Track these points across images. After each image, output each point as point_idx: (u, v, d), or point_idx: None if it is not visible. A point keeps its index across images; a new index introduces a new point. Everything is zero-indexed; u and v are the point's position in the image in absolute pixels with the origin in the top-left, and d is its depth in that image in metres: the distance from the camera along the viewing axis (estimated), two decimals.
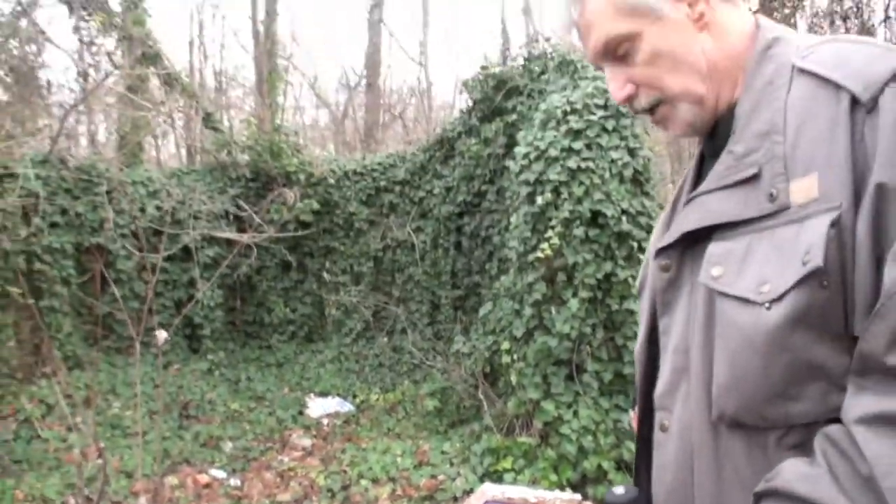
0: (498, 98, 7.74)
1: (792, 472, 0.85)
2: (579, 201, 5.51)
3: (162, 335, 5.09)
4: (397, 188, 9.22)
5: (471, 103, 8.29)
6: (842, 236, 0.84)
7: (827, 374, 0.87)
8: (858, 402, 0.81)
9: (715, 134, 1.11)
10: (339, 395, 8.43)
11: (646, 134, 6.28)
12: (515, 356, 5.71)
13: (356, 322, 9.29)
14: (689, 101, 1.07)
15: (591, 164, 5.59)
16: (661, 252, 1.10)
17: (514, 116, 7.60)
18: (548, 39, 7.97)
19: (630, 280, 5.46)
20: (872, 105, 0.85)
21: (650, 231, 5.61)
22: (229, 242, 8.77)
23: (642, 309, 1.25)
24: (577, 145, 5.63)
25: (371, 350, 9.04)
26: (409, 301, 8.94)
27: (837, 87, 0.89)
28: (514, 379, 5.61)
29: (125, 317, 6.39)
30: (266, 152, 9.22)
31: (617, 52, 1.08)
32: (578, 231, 5.44)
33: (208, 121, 9.85)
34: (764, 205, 0.93)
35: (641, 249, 5.58)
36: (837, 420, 0.85)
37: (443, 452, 6.10)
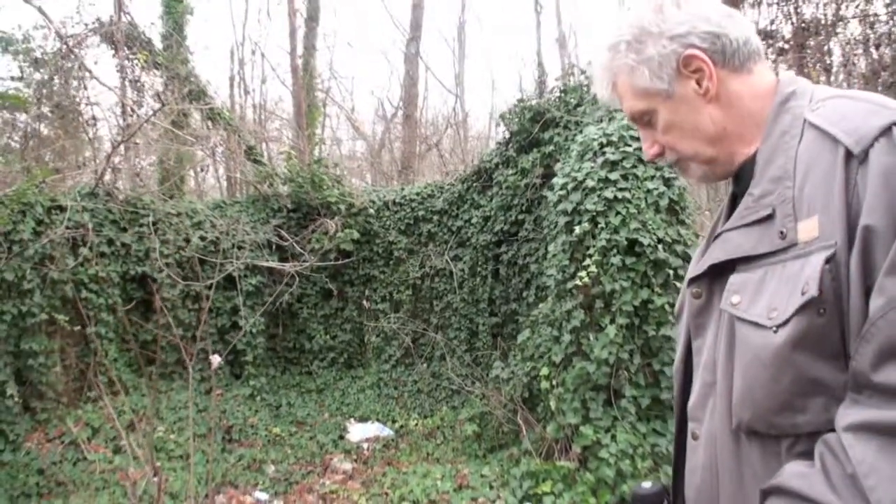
0: (535, 130, 7.93)
1: (790, 472, 1.02)
2: (616, 230, 5.64)
3: (216, 360, 5.30)
4: (435, 217, 9.45)
5: (507, 135, 8.49)
6: (837, 270, 0.99)
7: (828, 389, 1.02)
8: (848, 413, 0.96)
9: (741, 177, 1.28)
10: (378, 420, 8.58)
11: None
12: (554, 381, 5.82)
13: (395, 349, 9.47)
14: (699, 162, 1.29)
15: (627, 195, 5.72)
16: (692, 281, 1.29)
17: (551, 147, 7.77)
18: (583, 72, 8.16)
19: (667, 307, 5.55)
20: (864, 157, 0.99)
21: (686, 259, 5.74)
22: (271, 271, 9.03)
23: (679, 332, 1.43)
24: (614, 176, 5.77)
25: (410, 376, 9.20)
26: (447, 328, 9.11)
27: (835, 140, 1.04)
28: (553, 404, 5.72)
29: (175, 342, 6.62)
30: (307, 183, 9.49)
31: (643, 120, 1.31)
32: (615, 259, 5.56)
33: (250, 153, 10.18)
34: (776, 241, 1.10)
35: (678, 277, 5.68)
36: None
37: (482, 476, 6.21)
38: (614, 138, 5.94)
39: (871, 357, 0.93)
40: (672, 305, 5.62)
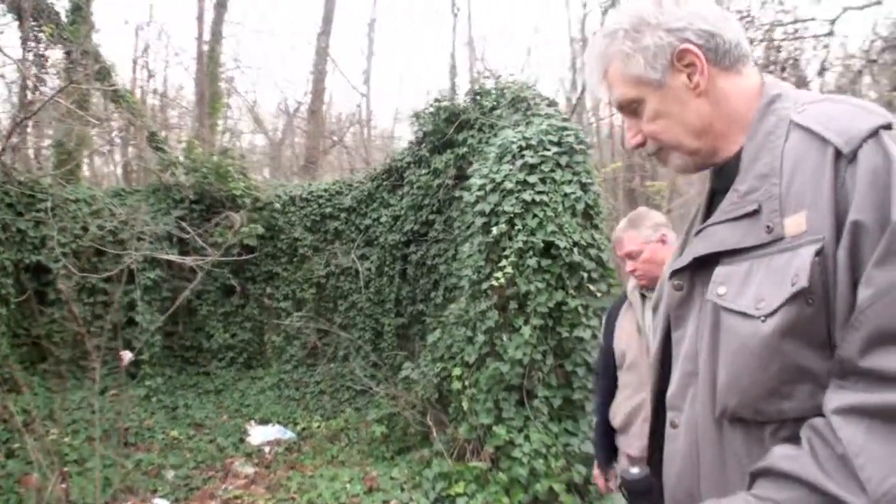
0: (449, 131, 7.92)
1: (779, 454, 1.04)
2: (533, 232, 5.69)
3: (127, 356, 4.99)
4: (343, 215, 9.27)
5: (421, 134, 8.43)
6: (825, 263, 1.03)
7: (814, 376, 1.06)
8: (836, 397, 1.00)
9: (723, 174, 1.31)
10: (279, 422, 8.33)
11: (595, 171, 6.52)
12: (467, 382, 5.81)
13: (297, 349, 9.24)
14: (682, 153, 1.31)
15: (544, 198, 5.78)
16: (674, 274, 1.31)
17: (465, 149, 7.78)
18: (499, 77, 8.22)
19: (580, 309, 5.64)
20: (853, 157, 1.03)
21: (599, 262, 5.86)
22: (171, 265, 8.64)
23: (656, 324, 1.47)
24: (532, 179, 5.82)
25: (312, 377, 8.99)
26: (351, 328, 8.95)
27: (824, 140, 1.08)
28: (465, 404, 5.70)
29: (81, 335, 6.18)
30: (211, 174, 9.14)
31: (630, 108, 1.34)
32: (531, 261, 5.61)
33: (152, 140, 9.71)
34: (762, 235, 1.12)
35: (591, 280, 5.79)
36: (822, 415, 1.03)
37: (391, 478, 6.11)
38: (533, 142, 6.00)
39: (858, 344, 0.97)
40: (585, 308, 5.72)
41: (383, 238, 8.69)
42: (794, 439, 1.05)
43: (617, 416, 3.01)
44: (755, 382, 1.09)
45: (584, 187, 6.06)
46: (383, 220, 8.77)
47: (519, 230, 5.71)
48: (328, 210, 9.36)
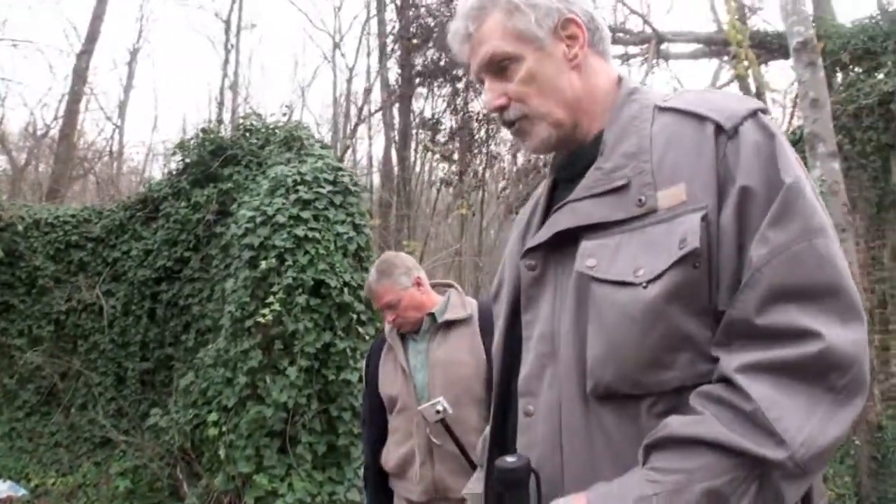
0: (214, 164, 7.50)
1: (679, 422, 0.98)
2: (303, 269, 5.49)
3: None
4: (90, 245, 8.27)
5: (182, 165, 7.91)
6: (709, 229, 1.03)
7: (694, 344, 1.03)
8: (735, 357, 0.98)
9: (570, 162, 1.30)
10: (10, 478, 7.13)
11: (368, 214, 6.51)
12: (224, 428, 5.37)
13: (31, 393, 7.98)
14: (548, 122, 1.25)
15: (317, 235, 5.64)
16: (528, 252, 1.24)
17: (230, 184, 7.39)
18: (272, 115, 8.01)
19: (348, 351, 5.50)
20: (734, 132, 1.07)
21: (369, 304, 5.78)
22: None
23: (499, 311, 1.40)
24: (306, 214, 5.66)
25: (47, 427, 7.80)
26: (92, 372, 7.96)
27: (702, 118, 1.11)
28: (222, 452, 5.25)
29: None
30: None
31: (499, 66, 1.25)
32: (301, 299, 5.40)
33: None
34: (632, 209, 1.10)
35: (360, 322, 5.69)
36: (702, 384, 1.01)
37: None
38: (308, 178, 5.87)
39: (755, 302, 0.97)
40: (353, 350, 5.59)
41: (132, 273, 7.88)
42: (670, 413, 1.01)
43: (390, 460, 2.87)
44: (635, 352, 1.03)
45: (356, 228, 6.01)
46: (134, 253, 7.97)
47: (289, 266, 5.48)
48: (74, 238, 8.28)
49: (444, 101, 15.33)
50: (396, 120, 15.48)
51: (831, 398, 0.94)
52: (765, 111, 1.11)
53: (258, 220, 5.67)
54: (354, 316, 5.65)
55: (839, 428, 0.93)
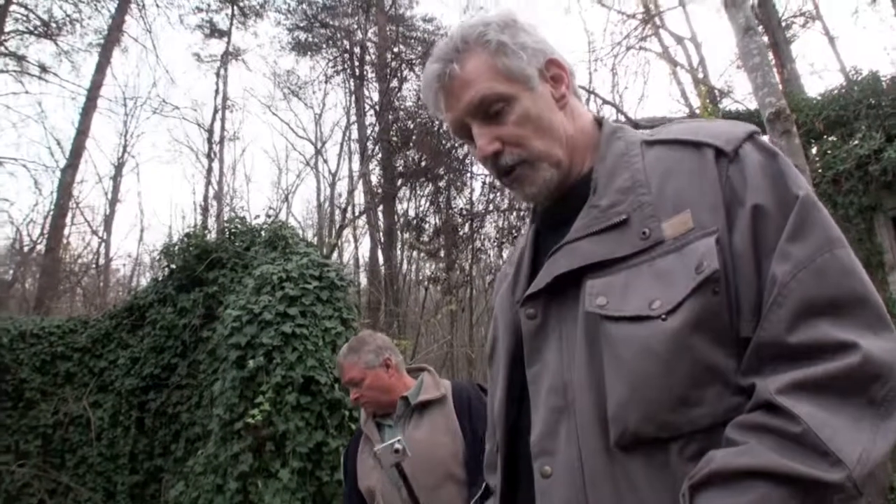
0: (200, 268, 7.49)
1: (723, 455, 0.89)
2: (292, 367, 5.39)
3: None
4: (76, 356, 8.10)
5: (167, 271, 7.88)
6: (722, 253, 0.98)
7: (721, 376, 0.96)
8: (773, 379, 0.91)
9: (557, 207, 1.24)
10: None
11: (356, 309, 6.46)
12: None
13: None
14: (549, 163, 1.19)
15: (305, 331, 5.57)
16: (528, 300, 1.16)
17: (216, 288, 7.37)
18: (256, 217, 8.07)
19: (342, 449, 5.33)
20: (734, 156, 1.05)
21: None
22: None
23: (496, 370, 1.30)
24: (293, 311, 5.61)
25: None
26: (81, 486, 7.63)
27: (699, 144, 1.09)
28: None
29: None
30: None
31: (490, 109, 1.18)
32: (290, 397, 5.28)
33: None
34: (637, 243, 1.05)
35: (353, 419, 5.54)
36: (730, 420, 0.94)
37: None
38: (294, 274, 5.84)
39: (785, 320, 0.92)
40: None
41: (119, 383, 7.70)
42: (703, 456, 0.93)
43: None
44: (661, 390, 0.96)
45: (344, 323, 5.95)
46: (121, 362, 7.81)
47: (277, 364, 5.38)
48: (60, 349, 8.12)
49: (426, 200, 15.58)
50: (381, 221, 15.64)
51: (873, 411, 0.88)
52: (759, 133, 1.10)
53: (245, 318, 5.60)
54: (346, 413, 5.50)
55: (888, 441, 0.87)
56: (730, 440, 0.91)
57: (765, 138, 1.11)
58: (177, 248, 7.83)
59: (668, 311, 0.97)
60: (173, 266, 7.79)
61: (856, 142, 7.80)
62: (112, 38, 14.05)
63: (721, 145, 1.06)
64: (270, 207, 9.90)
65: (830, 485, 0.83)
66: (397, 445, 2.38)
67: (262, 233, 7.54)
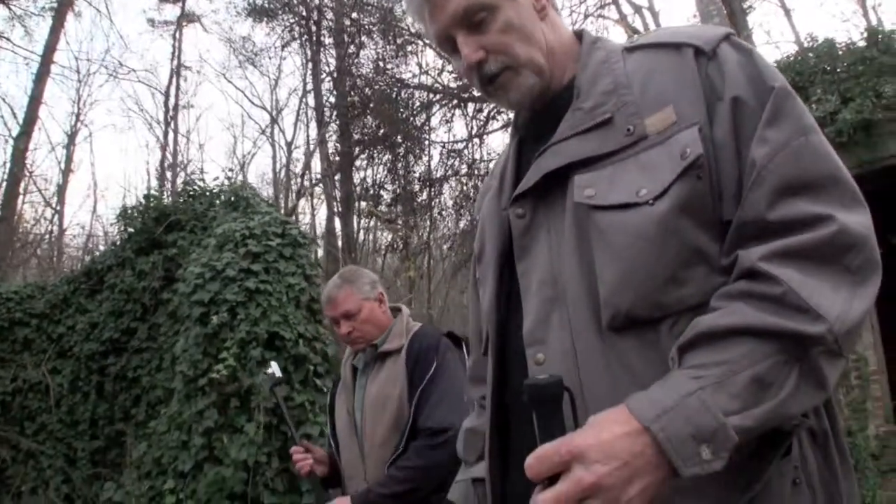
0: (158, 230, 7.38)
1: (709, 318, 0.95)
2: (256, 322, 5.38)
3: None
4: (34, 322, 7.95)
5: (126, 235, 7.76)
6: (705, 142, 1.04)
7: (707, 257, 1.03)
8: (756, 250, 0.97)
9: (539, 114, 1.29)
10: None
11: (318, 266, 6.45)
12: (181, 495, 5.13)
13: None
14: (532, 70, 1.22)
15: (269, 287, 5.55)
16: (517, 200, 1.21)
17: (175, 251, 7.26)
18: (215, 178, 7.97)
19: (307, 404, 5.35)
20: (713, 54, 1.10)
21: (325, 356, 5.68)
22: None
23: (485, 272, 1.34)
24: (256, 267, 5.58)
25: None
26: (39, 456, 7.54)
27: (678, 45, 1.14)
28: None
29: None
30: None
31: (474, 18, 1.20)
32: (255, 352, 5.27)
33: None
34: (622, 139, 1.11)
35: (317, 374, 5.56)
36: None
37: None
38: (257, 231, 5.81)
39: (765, 199, 0.98)
40: (312, 403, 5.44)
41: (78, 348, 7.58)
42: None
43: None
44: (652, 271, 1.02)
45: (308, 279, 5.95)
46: (79, 327, 7.69)
47: (242, 319, 5.36)
48: (18, 315, 7.95)
49: (384, 167, 15.51)
50: (338, 190, 15.54)
51: (850, 278, 0.94)
52: (735, 34, 1.15)
53: (207, 275, 5.56)
54: (311, 368, 5.52)
55: (864, 304, 0.94)
56: (714, 307, 0.97)
57: (740, 39, 1.16)
58: (135, 210, 7.70)
59: (655, 196, 1.03)
60: (131, 229, 7.66)
61: (812, 105, 7.94)
62: (66, 1, 13.62)
63: (700, 45, 1.11)
64: (229, 169, 9.73)
65: (812, 337, 0.89)
66: (269, 370, 2.47)
67: (222, 194, 7.45)
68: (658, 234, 1.02)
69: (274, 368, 2.54)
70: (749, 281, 0.95)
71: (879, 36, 8.43)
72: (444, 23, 1.22)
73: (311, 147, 16.29)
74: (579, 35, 1.32)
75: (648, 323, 1.03)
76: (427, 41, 13.87)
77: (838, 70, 8.31)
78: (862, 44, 8.57)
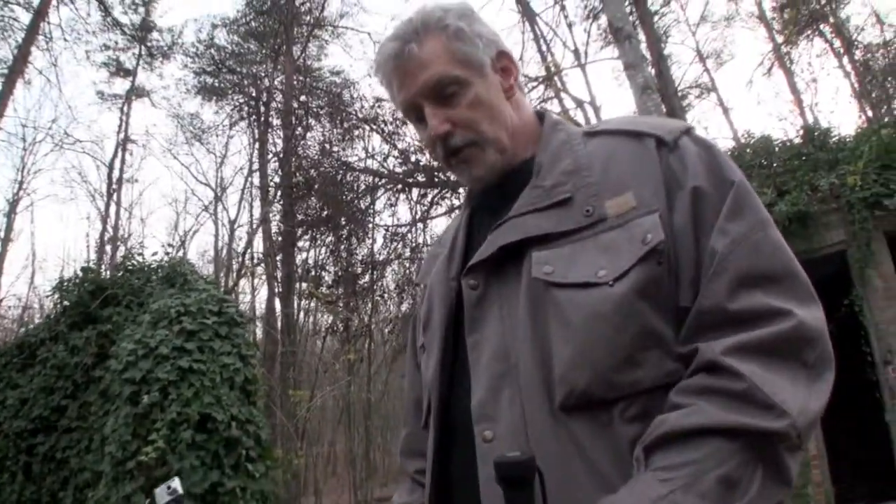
0: (93, 305, 7.23)
1: (676, 416, 0.94)
2: (188, 403, 5.28)
3: None
4: None
5: (61, 308, 7.57)
6: (664, 229, 1.05)
7: (662, 342, 1.03)
8: (716, 344, 0.97)
9: (494, 189, 1.29)
10: None
11: (255, 346, 6.39)
12: None
13: None
14: (496, 148, 1.25)
15: (202, 367, 5.47)
16: (470, 271, 1.20)
17: (109, 326, 7.10)
18: (154, 254, 7.88)
19: (238, 490, 5.22)
20: (674, 145, 1.13)
21: (258, 440, 5.58)
22: None
23: (431, 340, 1.30)
24: (190, 346, 5.51)
25: None
26: None
27: (639, 134, 1.16)
28: None
29: None
30: None
31: (445, 91, 1.22)
32: (185, 434, 5.15)
33: None
34: (581, 219, 1.11)
35: (249, 458, 5.44)
36: (671, 385, 1.00)
37: None
38: (193, 309, 5.75)
39: (725, 289, 0.99)
40: (243, 490, 5.31)
41: (7, 425, 7.24)
42: (644, 418, 0.99)
43: None
44: (610, 351, 1.01)
45: (243, 360, 5.88)
46: (9, 402, 7.33)
47: (173, 399, 5.26)
48: None
49: (327, 249, 15.47)
50: (279, 270, 15.40)
51: (806, 373, 0.96)
52: (694, 129, 1.19)
53: (140, 352, 5.46)
54: (243, 452, 5.40)
55: (819, 401, 0.95)
56: (676, 404, 0.96)
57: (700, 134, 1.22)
58: (71, 283, 7.55)
59: (615, 277, 1.03)
60: (66, 302, 7.49)
61: None
62: (16, 68, 13.52)
63: (662, 135, 1.14)
64: (168, 244, 9.65)
65: (777, 433, 0.90)
66: (171, 485, 2.32)
67: (160, 270, 7.38)
68: (616, 314, 1.02)
69: (176, 485, 2.44)
70: (710, 375, 0.96)
71: (815, 133, 8.87)
72: (414, 92, 1.23)
73: (254, 226, 16.20)
74: (541, 116, 1.35)
75: (602, 404, 1.01)
76: (374, 127, 14.18)
77: (774, 164, 8.67)
78: (798, 140, 8.98)
